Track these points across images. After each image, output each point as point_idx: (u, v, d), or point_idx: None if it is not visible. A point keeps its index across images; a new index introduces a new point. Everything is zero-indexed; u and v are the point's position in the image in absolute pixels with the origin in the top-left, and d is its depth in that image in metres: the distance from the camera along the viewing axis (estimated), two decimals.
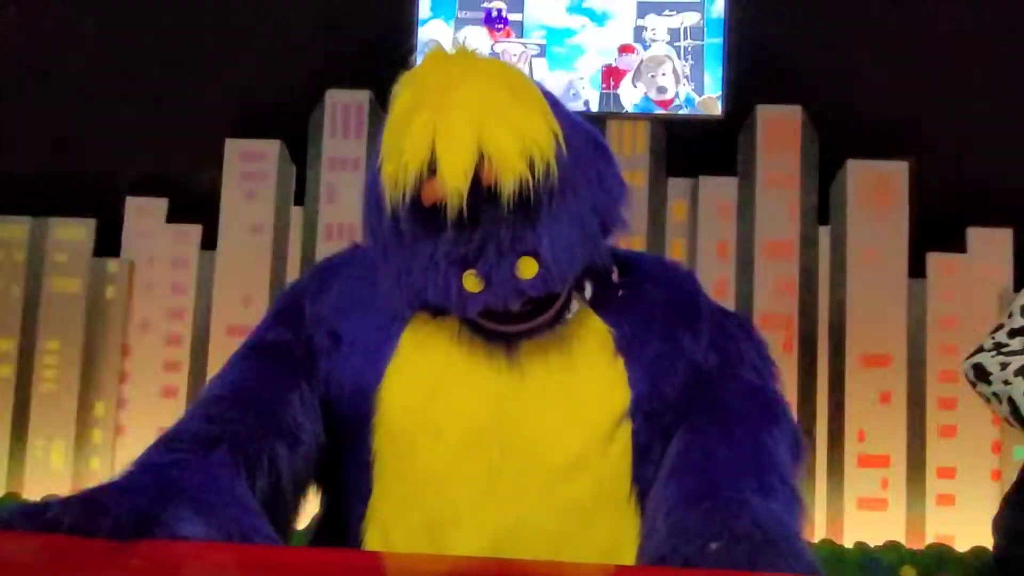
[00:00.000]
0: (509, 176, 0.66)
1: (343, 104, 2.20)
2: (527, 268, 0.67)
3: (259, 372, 0.76)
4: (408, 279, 0.72)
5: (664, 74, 2.15)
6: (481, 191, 0.67)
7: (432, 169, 0.66)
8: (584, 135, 0.75)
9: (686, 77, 2.20)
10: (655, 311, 0.80)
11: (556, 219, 0.69)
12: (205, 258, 2.21)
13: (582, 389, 0.75)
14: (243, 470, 0.65)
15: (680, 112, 2.20)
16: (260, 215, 2.18)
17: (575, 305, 0.77)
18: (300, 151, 2.24)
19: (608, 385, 0.75)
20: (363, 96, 2.21)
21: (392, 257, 0.73)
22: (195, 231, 2.23)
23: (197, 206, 2.24)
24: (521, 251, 0.67)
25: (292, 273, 2.15)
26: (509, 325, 0.71)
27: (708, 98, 2.19)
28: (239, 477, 0.65)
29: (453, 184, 0.65)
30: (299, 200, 2.24)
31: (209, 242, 2.21)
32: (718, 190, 2.16)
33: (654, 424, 0.77)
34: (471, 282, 0.68)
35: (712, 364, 0.80)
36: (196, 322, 2.20)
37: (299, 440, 0.71)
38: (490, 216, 0.67)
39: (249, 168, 2.20)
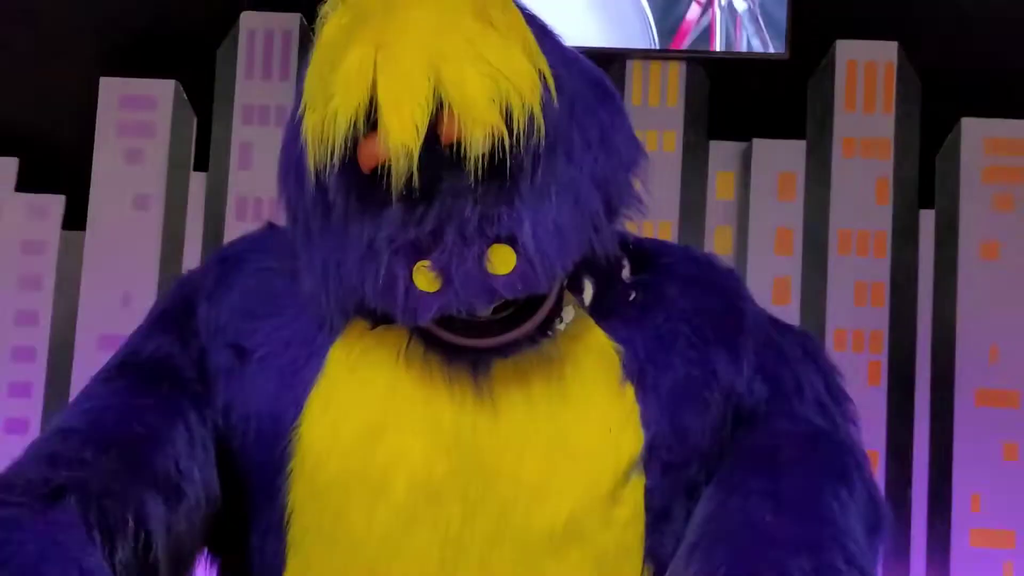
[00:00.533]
0: (477, 131, 0.66)
1: (263, 31, 2.19)
2: (501, 260, 0.68)
3: (128, 398, 0.76)
4: (339, 273, 0.72)
5: None
6: (438, 152, 0.67)
7: (372, 121, 0.66)
8: (583, 76, 0.76)
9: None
10: (680, 323, 0.80)
11: (542, 193, 0.69)
12: (69, 241, 2.19)
13: (576, 429, 0.75)
14: (97, 533, 0.65)
15: (729, 51, 2.20)
16: (147, 183, 2.17)
17: (569, 312, 0.78)
18: (203, 96, 2.22)
19: (613, 424, 0.76)
20: (291, 21, 2.20)
21: (317, 242, 0.74)
22: (55, 204, 2.21)
23: (58, 169, 2.22)
24: (493, 236, 0.68)
25: (190, 263, 2.14)
26: (476, 338, 0.72)
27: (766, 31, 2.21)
28: (90, 544, 0.65)
29: (399, 141, 0.65)
30: (201, 163, 2.23)
31: (75, 219, 2.20)
32: (778, 158, 2.16)
33: (675, 479, 0.78)
34: (424, 278, 0.68)
35: (758, 397, 0.81)
36: (55, 329, 2.19)
37: (181, 493, 0.72)
38: (451, 187, 0.68)
39: (132, 118, 2.18)
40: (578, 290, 0.81)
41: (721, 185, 2.18)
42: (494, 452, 0.74)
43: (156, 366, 0.80)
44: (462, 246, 0.67)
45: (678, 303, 0.81)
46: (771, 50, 2.17)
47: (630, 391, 0.76)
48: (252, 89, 2.18)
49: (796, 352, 0.85)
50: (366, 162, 0.68)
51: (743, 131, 2.16)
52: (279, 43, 2.18)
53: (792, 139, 2.16)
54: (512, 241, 0.68)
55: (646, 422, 0.76)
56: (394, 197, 0.68)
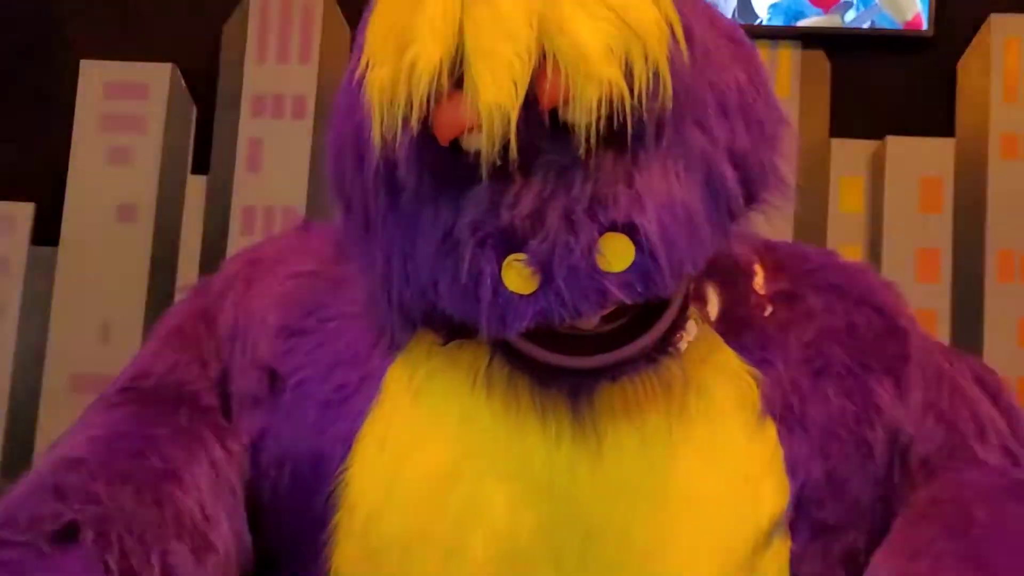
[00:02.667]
0: (590, 89, 0.65)
1: (279, 5, 2.21)
2: (616, 253, 0.67)
3: (139, 426, 0.76)
4: (405, 270, 0.72)
5: None
6: (540, 117, 0.66)
7: (456, 78, 0.66)
8: (717, 28, 0.75)
9: None
10: (832, 344, 0.79)
11: (667, 169, 0.69)
12: (38, 259, 2.22)
13: (703, 476, 0.74)
14: None
15: (854, 26, 2.19)
16: (134, 189, 2.19)
17: (692, 327, 0.77)
18: (205, 83, 2.25)
19: (750, 470, 0.75)
20: None
21: (378, 234, 0.73)
22: (22, 213, 2.24)
23: (28, 171, 2.25)
24: (607, 222, 0.66)
25: (185, 285, 2.16)
26: (577, 356, 0.71)
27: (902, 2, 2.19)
28: None
29: (493, 100, 0.65)
30: (201, 165, 2.25)
31: (46, 232, 2.23)
32: (920, 160, 2.14)
33: (828, 543, 0.77)
34: (517, 275, 0.67)
35: (933, 441, 0.79)
36: (18, 366, 2.20)
37: (209, 544, 0.72)
38: (554, 161, 0.67)
39: (118, 109, 2.21)
40: (701, 300, 0.80)
41: (847, 194, 2.17)
42: (597, 504, 0.73)
43: (169, 391, 0.81)
44: (567, 234, 0.66)
45: (826, 320, 0.81)
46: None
47: (771, 428, 0.76)
48: (264, 75, 2.20)
49: (972, 387, 0.84)
50: (446, 130, 0.67)
51: (874, 127, 2.15)
52: (298, 20, 2.20)
53: (936, 136, 2.14)
54: (630, 229, 0.66)
55: (793, 469, 0.75)
56: (483, 172, 0.67)
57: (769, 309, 0.81)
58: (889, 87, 2.21)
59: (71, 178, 2.20)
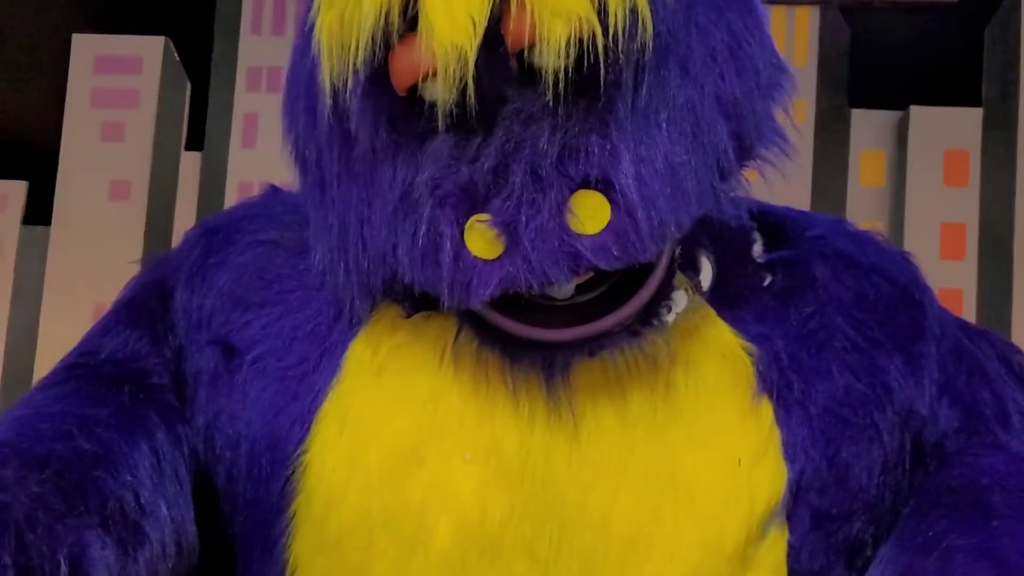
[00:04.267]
0: (558, 26, 0.61)
1: None
2: (590, 212, 0.63)
3: (75, 405, 0.73)
4: (362, 235, 0.69)
5: None
6: (503, 60, 0.63)
7: (410, 18, 0.62)
8: None
9: None
10: (836, 316, 0.76)
11: (647, 118, 0.65)
12: (30, 239, 2.21)
13: (691, 459, 0.71)
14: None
15: None
16: (127, 165, 2.17)
17: (681, 299, 0.74)
18: (199, 57, 2.22)
19: (744, 453, 0.71)
20: None
21: (333, 195, 0.70)
22: (15, 192, 2.23)
23: (18, 149, 2.24)
24: (579, 177, 0.63)
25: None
26: (552, 328, 0.68)
27: None
28: None
29: (449, 39, 0.61)
30: (195, 141, 2.23)
31: (39, 211, 2.21)
32: (945, 132, 2.08)
33: (830, 534, 0.73)
34: (480, 238, 0.63)
35: (948, 425, 0.76)
36: (10, 348, 2.19)
37: (141, 535, 0.68)
38: (519, 110, 0.63)
39: (110, 84, 2.19)
40: (693, 268, 0.76)
41: (867, 167, 2.11)
42: (575, 489, 0.69)
43: (116, 368, 0.78)
44: (535, 191, 0.62)
45: (831, 290, 0.78)
46: None
47: (767, 408, 0.72)
48: (260, 47, 2.17)
49: (995, 366, 0.82)
50: (401, 77, 0.64)
51: (896, 97, 2.09)
52: None
53: (963, 106, 2.09)
54: (605, 185, 0.62)
55: (791, 452, 0.72)
56: (440, 123, 0.63)
57: (768, 279, 0.78)
58: (912, 54, 2.15)
59: (63, 155, 2.17)
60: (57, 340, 2.17)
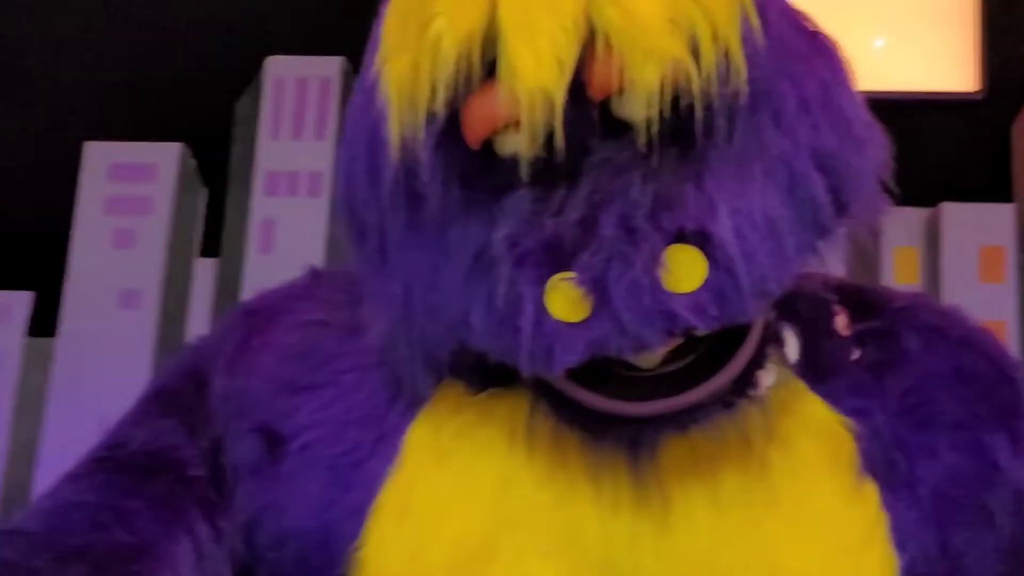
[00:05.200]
0: (649, 70, 0.58)
1: (294, 80, 2.20)
2: (685, 267, 0.59)
3: (108, 497, 0.69)
4: (428, 303, 0.64)
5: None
6: (586, 109, 0.59)
7: (488, 64, 0.59)
8: (790, 15, 0.69)
9: None
10: (935, 392, 0.72)
11: (742, 169, 0.61)
12: (35, 351, 2.16)
13: (793, 548, 0.66)
14: None
15: (900, 88, 2.15)
16: (138, 273, 2.16)
17: (769, 371, 0.67)
18: (217, 163, 2.23)
19: (850, 541, 0.67)
20: (329, 66, 2.22)
21: (397, 260, 0.65)
22: (19, 303, 2.20)
23: (26, 256, 2.21)
24: (673, 230, 0.58)
25: None
26: (638, 401, 0.62)
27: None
28: None
29: (534, 82, 0.58)
30: (211, 247, 2.22)
31: (44, 322, 2.18)
32: (978, 228, 2.08)
33: None
34: (563, 299, 0.59)
35: None
36: (10, 465, 2.11)
37: None
38: (607, 160, 0.60)
39: (124, 191, 2.19)
40: (776, 342, 0.71)
41: (901, 265, 2.10)
42: None
43: (149, 459, 0.72)
44: (627, 244, 0.58)
45: (926, 363, 0.72)
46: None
47: (872, 491, 0.68)
48: (279, 151, 2.18)
49: None
50: (477, 128, 0.60)
51: (927, 193, 2.07)
52: (315, 94, 2.19)
53: (995, 201, 2.09)
54: (702, 239, 0.58)
55: (901, 539, 0.67)
56: (523, 172, 0.59)
57: (857, 353, 0.72)
58: (940, 151, 2.15)
59: (71, 263, 2.16)
60: (59, 456, 2.10)
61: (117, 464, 0.72)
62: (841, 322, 0.76)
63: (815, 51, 0.68)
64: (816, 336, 0.73)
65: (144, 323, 2.14)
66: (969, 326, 0.78)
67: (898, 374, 0.71)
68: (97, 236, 2.16)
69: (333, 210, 2.14)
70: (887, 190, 0.68)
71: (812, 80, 0.65)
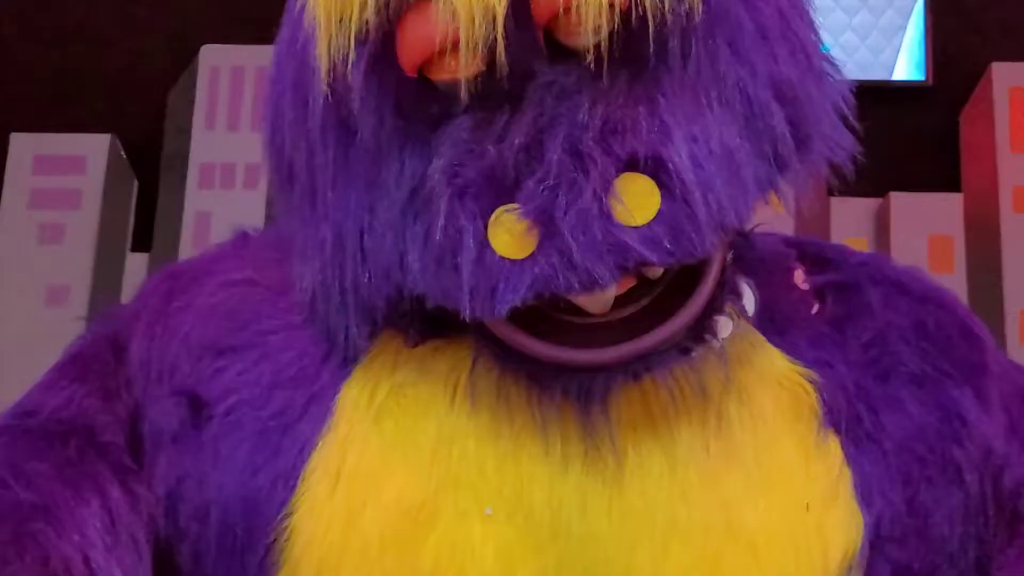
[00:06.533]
0: None
1: (230, 68, 2.17)
2: (637, 198, 0.56)
3: (11, 456, 0.65)
4: (361, 245, 0.61)
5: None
6: (530, 32, 0.57)
7: None
8: None
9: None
10: (898, 344, 0.70)
11: (697, 96, 0.59)
12: None
13: (752, 505, 0.63)
14: None
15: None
16: (66, 269, 2.11)
17: (725, 323, 0.65)
18: (148, 154, 2.19)
19: (812, 497, 0.64)
20: (267, 55, 2.16)
21: (327, 200, 0.62)
22: None
23: None
24: (625, 155, 0.56)
25: None
26: (588, 348, 0.59)
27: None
28: None
29: (472, 2, 0.54)
30: (142, 242, 2.19)
31: None
32: (926, 218, 2.09)
33: None
34: (507, 233, 0.56)
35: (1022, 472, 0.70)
36: None
37: None
38: (552, 83, 0.57)
39: (50, 184, 2.14)
40: (733, 294, 0.68)
41: None
42: (618, 546, 0.61)
43: (61, 426, 0.68)
44: (575, 169, 0.54)
45: (887, 316, 0.71)
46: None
47: (835, 445, 0.65)
48: (214, 142, 2.14)
49: None
50: (412, 51, 0.57)
51: (876, 183, 2.08)
52: (251, 82, 2.15)
53: (945, 191, 2.11)
54: (656, 166, 0.55)
55: (866, 495, 0.64)
56: (463, 94, 0.56)
57: (816, 306, 0.70)
58: (888, 141, 2.17)
59: None
60: None
61: (24, 430, 0.68)
62: (799, 277, 0.74)
63: None
64: (773, 289, 0.71)
65: (71, 320, 2.08)
66: (930, 283, 0.77)
67: (860, 326, 0.69)
68: (23, 231, 2.11)
69: (270, 203, 2.10)
70: (849, 127, 0.66)
71: (769, 7, 0.63)
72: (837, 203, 2.13)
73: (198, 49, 2.17)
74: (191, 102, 2.15)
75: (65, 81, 2.28)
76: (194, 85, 2.16)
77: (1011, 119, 2.09)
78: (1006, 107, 2.10)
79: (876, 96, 2.20)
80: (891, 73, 2.20)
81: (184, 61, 2.18)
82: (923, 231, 2.08)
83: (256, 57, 2.16)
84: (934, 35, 2.17)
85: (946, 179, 2.13)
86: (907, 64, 2.19)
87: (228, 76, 2.16)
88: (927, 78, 2.16)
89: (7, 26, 2.31)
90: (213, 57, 2.17)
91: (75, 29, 2.31)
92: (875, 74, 2.19)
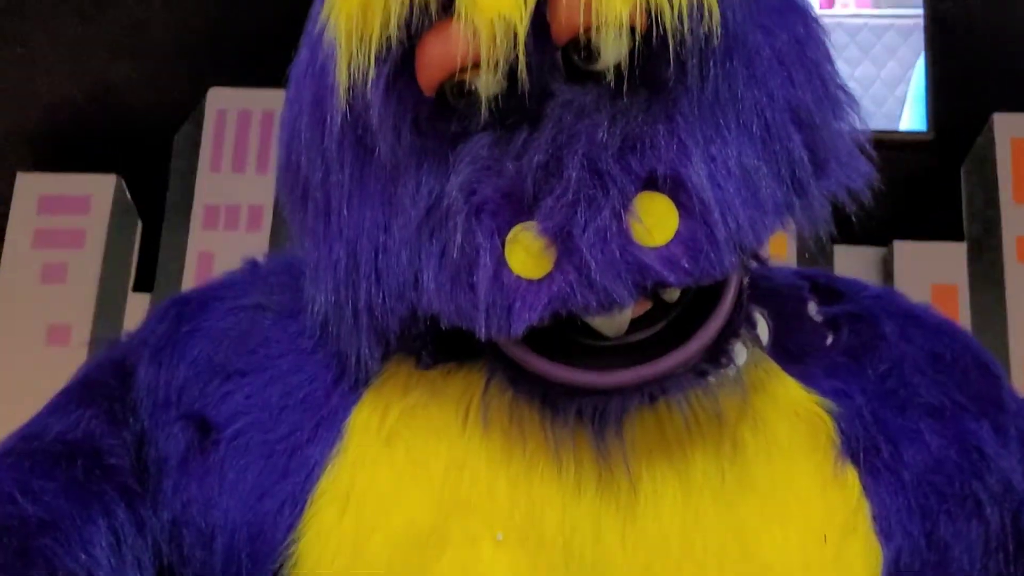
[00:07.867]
0: (619, 6, 0.55)
1: (237, 112, 2.17)
2: (656, 219, 0.55)
3: (18, 475, 0.65)
4: (376, 265, 0.61)
5: None
6: (549, 51, 0.57)
7: (445, 3, 0.56)
8: None
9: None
10: (914, 376, 0.70)
11: (715, 117, 0.59)
12: None
13: (769, 536, 0.62)
14: None
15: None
16: (68, 308, 2.09)
17: (741, 352, 0.64)
18: (152, 195, 2.19)
19: (830, 530, 0.63)
20: (273, 99, 2.18)
21: (342, 219, 0.62)
22: None
23: None
24: (643, 174, 0.55)
25: None
26: (605, 370, 0.58)
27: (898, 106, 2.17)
28: None
29: (495, 13, 0.55)
30: (144, 281, 2.17)
31: None
32: (930, 267, 2.08)
33: None
34: (524, 252, 0.55)
35: None
36: None
37: None
38: (571, 102, 0.57)
39: (54, 224, 2.14)
40: (747, 323, 0.68)
41: None
42: (631, 573, 0.60)
43: (66, 448, 0.67)
44: (593, 187, 0.54)
45: (903, 348, 0.70)
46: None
47: (853, 476, 0.64)
48: (219, 184, 2.13)
49: None
50: (431, 70, 0.57)
51: (880, 232, 2.08)
52: (257, 126, 2.16)
53: (947, 240, 2.10)
54: (675, 185, 0.55)
55: (885, 528, 0.63)
56: (483, 111, 0.56)
57: (831, 337, 0.70)
58: (891, 191, 2.17)
59: (1, 296, 2.09)
60: None
61: (31, 451, 0.67)
62: (812, 308, 0.74)
63: (787, 6, 0.66)
64: (788, 320, 0.70)
65: (74, 360, 2.06)
66: (942, 316, 0.77)
67: (876, 357, 0.69)
68: (26, 270, 2.10)
69: (273, 244, 2.09)
70: (865, 153, 0.66)
71: (786, 34, 0.63)
72: (841, 251, 2.11)
73: (205, 91, 2.18)
74: (197, 144, 2.15)
75: (71, 120, 2.27)
76: (200, 127, 2.16)
77: (1013, 169, 2.10)
78: (1008, 157, 2.10)
79: (879, 146, 2.21)
80: (894, 123, 2.21)
81: (191, 102, 2.18)
82: (927, 280, 2.06)
83: (262, 100, 2.17)
84: (936, 86, 2.17)
85: (949, 229, 2.11)
86: (910, 115, 2.20)
87: (235, 119, 2.16)
88: (929, 129, 2.16)
89: (11, 65, 2.32)
90: (220, 99, 2.17)
91: (82, 66, 2.31)
92: (878, 124, 2.20)
